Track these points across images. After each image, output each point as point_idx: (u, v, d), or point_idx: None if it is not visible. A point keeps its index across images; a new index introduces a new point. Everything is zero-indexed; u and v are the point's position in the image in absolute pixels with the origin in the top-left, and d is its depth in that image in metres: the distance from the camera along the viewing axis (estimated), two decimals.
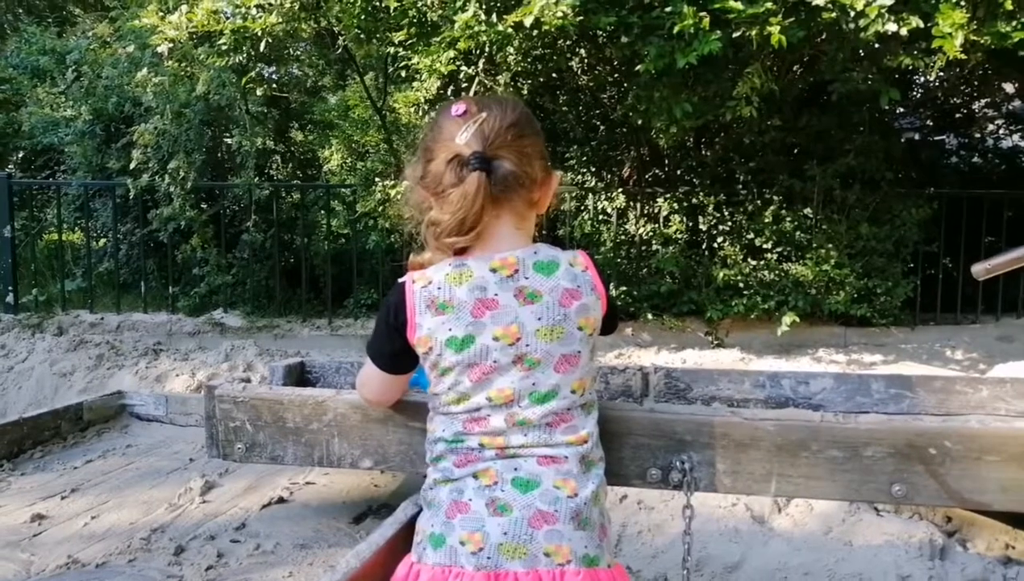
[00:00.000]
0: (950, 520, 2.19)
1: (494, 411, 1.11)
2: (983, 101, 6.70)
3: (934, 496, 1.39)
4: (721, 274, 5.22)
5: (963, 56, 3.66)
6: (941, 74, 4.79)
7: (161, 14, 4.79)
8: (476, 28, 3.91)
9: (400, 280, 1.17)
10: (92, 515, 2.01)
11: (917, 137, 6.84)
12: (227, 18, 4.61)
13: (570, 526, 1.09)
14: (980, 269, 1.68)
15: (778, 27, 3.62)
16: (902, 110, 6.46)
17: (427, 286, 1.12)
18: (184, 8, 4.55)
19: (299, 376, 2.28)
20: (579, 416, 1.15)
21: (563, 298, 1.11)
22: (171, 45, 4.66)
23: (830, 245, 5.19)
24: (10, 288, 5.73)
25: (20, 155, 7.98)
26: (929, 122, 6.88)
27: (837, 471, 1.41)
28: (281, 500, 2.11)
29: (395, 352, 1.22)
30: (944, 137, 7.00)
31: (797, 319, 5.05)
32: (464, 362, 1.11)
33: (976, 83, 6.19)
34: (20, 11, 12.77)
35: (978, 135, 7.00)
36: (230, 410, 1.76)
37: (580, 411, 1.16)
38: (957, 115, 6.84)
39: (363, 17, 4.53)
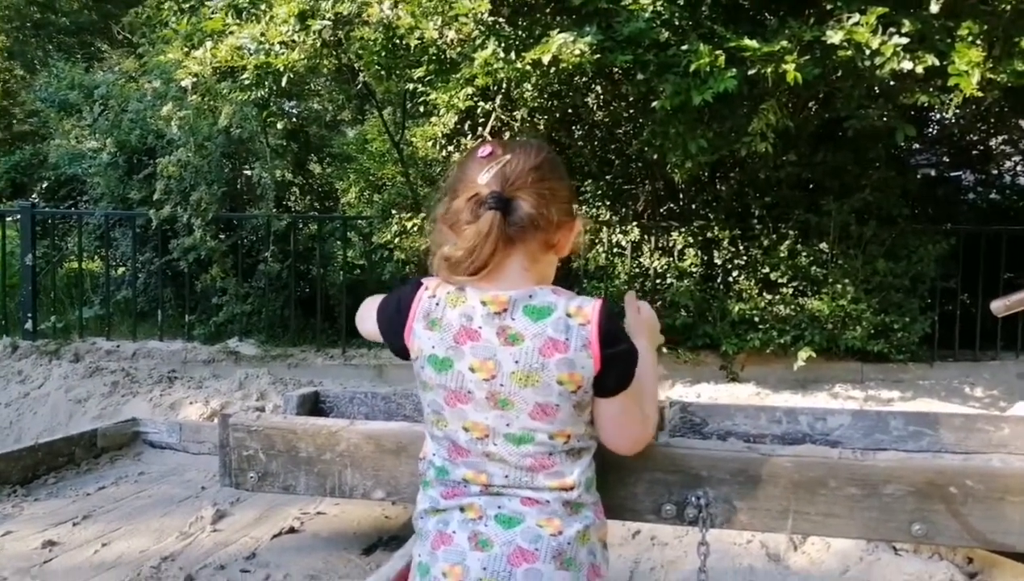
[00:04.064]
0: (971, 561, 2.13)
1: (472, 444, 1.12)
2: (1000, 138, 6.70)
3: (955, 536, 1.36)
4: (736, 308, 5.20)
5: (980, 94, 3.66)
6: (957, 111, 4.80)
7: (186, 50, 4.90)
8: (495, 65, 3.97)
9: (420, 279, 1.19)
10: (103, 542, 2.00)
11: (934, 173, 6.82)
12: (250, 54, 4.70)
13: (551, 565, 1.07)
14: (999, 305, 1.67)
15: (793, 65, 3.64)
16: (918, 147, 6.46)
17: (431, 298, 1.14)
18: (208, 44, 4.65)
19: (313, 406, 2.28)
20: (563, 462, 1.12)
21: (544, 347, 1.07)
22: (195, 80, 4.76)
23: (846, 280, 5.15)
24: (29, 314, 5.80)
25: (44, 185, 8.12)
26: (946, 159, 6.87)
27: (856, 509, 1.39)
28: (292, 530, 2.10)
29: (393, 336, 1.19)
30: (961, 173, 6.97)
31: (813, 354, 5.00)
32: (442, 384, 1.12)
33: (993, 120, 6.19)
34: (50, 47, 13.14)
35: (995, 172, 6.98)
36: (244, 439, 1.76)
37: (564, 457, 1.12)
38: (974, 152, 6.83)
39: (383, 54, 4.60)
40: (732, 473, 1.44)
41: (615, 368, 1.11)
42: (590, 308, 1.09)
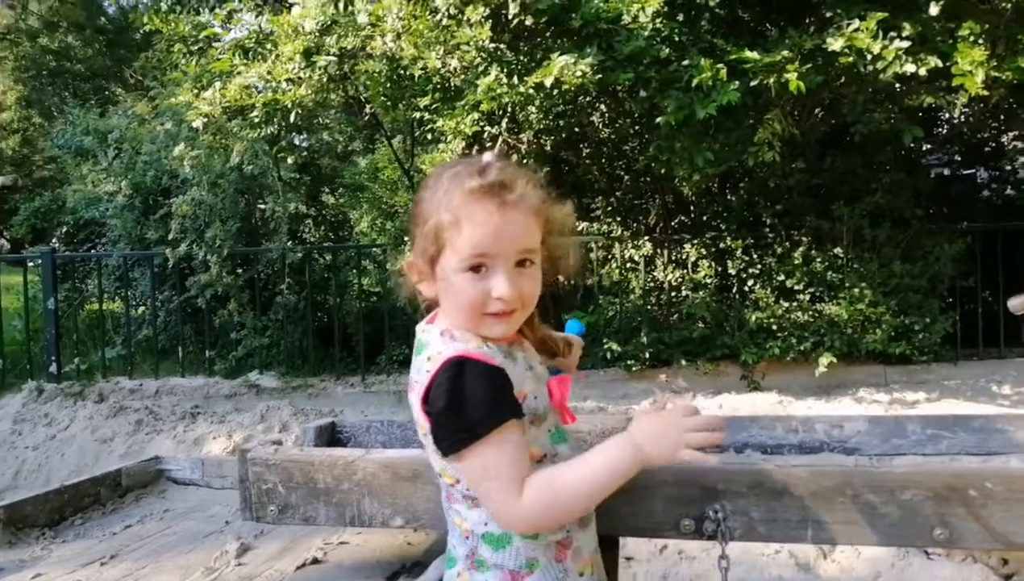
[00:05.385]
0: (1007, 562, 2.10)
1: None
2: (1012, 134, 6.64)
3: (978, 539, 1.34)
4: (753, 317, 5.17)
5: (985, 92, 3.65)
6: (966, 110, 4.78)
7: (196, 91, 5.01)
8: (498, 90, 4.02)
9: None
10: None
11: (947, 172, 6.77)
12: (258, 92, 4.80)
13: None
14: (1018, 303, 1.65)
15: (795, 74, 3.66)
16: (930, 146, 6.43)
17: None
18: (217, 85, 4.75)
19: (330, 436, 2.29)
20: (461, 504, 1.08)
21: (410, 382, 1.08)
22: (206, 120, 4.86)
23: (863, 284, 5.12)
24: (53, 358, 5.89)
25: (64, 230, 8.29)
26: (958, 157, 6.82)
27: (875, 516, 1.37)
28: (316, 561, 2.11)
29: None
30: (974, 171, 6.92)
31: (835, 359, 4.96)
32: None
33: (1003, 117, 6.15)
34: (66, 94, 13.46)
35: (1009, 167, 6.92)
36: (262, 472, 1.78)
37: (462, 500, 1.08)
38: (986, 149, 6.78)
39: (389, 85, 4.68)
40: (749, 485, 1.43)
41: (433, 428, 1.02)
42: (447, 359, 1.01)
